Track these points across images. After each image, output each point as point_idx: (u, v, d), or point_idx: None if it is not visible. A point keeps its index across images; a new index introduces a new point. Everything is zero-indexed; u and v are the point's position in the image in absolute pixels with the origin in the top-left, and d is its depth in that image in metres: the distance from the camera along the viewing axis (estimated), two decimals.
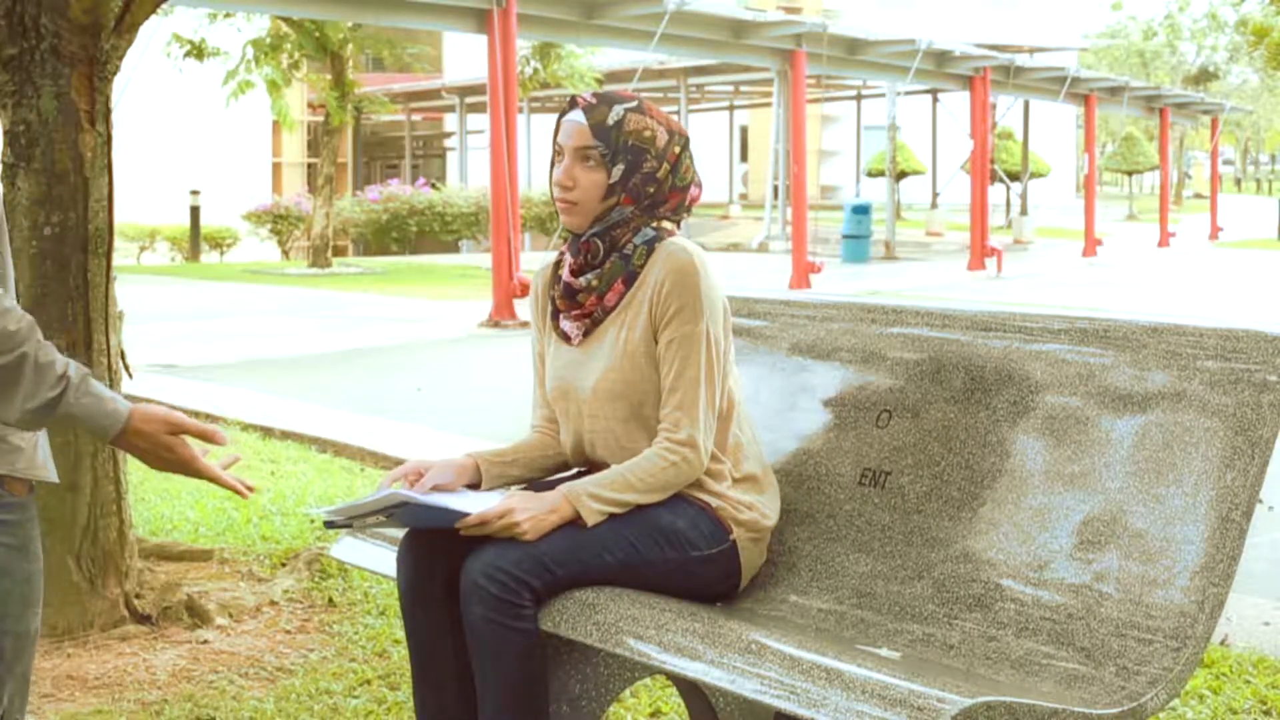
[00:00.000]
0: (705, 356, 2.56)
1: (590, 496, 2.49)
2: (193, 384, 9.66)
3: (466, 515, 2.41)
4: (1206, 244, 33.58)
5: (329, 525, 2.53)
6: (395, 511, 2.47)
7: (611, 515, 2.49)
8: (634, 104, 2.62)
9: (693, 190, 2.68)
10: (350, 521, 2.51)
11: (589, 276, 2.63)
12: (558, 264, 2.73)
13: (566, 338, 2.68)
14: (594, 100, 2.61)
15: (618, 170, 2.58)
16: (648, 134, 2.60)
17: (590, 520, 2.47)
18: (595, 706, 2.54)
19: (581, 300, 2.64)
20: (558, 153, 2.64)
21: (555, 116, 2.70)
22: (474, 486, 2.66)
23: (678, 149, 2.64)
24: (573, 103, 2.64)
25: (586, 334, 2.65)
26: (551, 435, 2.78)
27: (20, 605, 2.04)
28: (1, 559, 2.01)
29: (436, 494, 2.54)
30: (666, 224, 2.65)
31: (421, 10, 15.27)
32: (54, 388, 1.93)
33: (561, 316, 2.68)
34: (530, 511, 2.43)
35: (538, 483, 2.69)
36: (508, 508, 2.42)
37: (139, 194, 26.35)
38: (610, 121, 2.58)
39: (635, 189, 2.60)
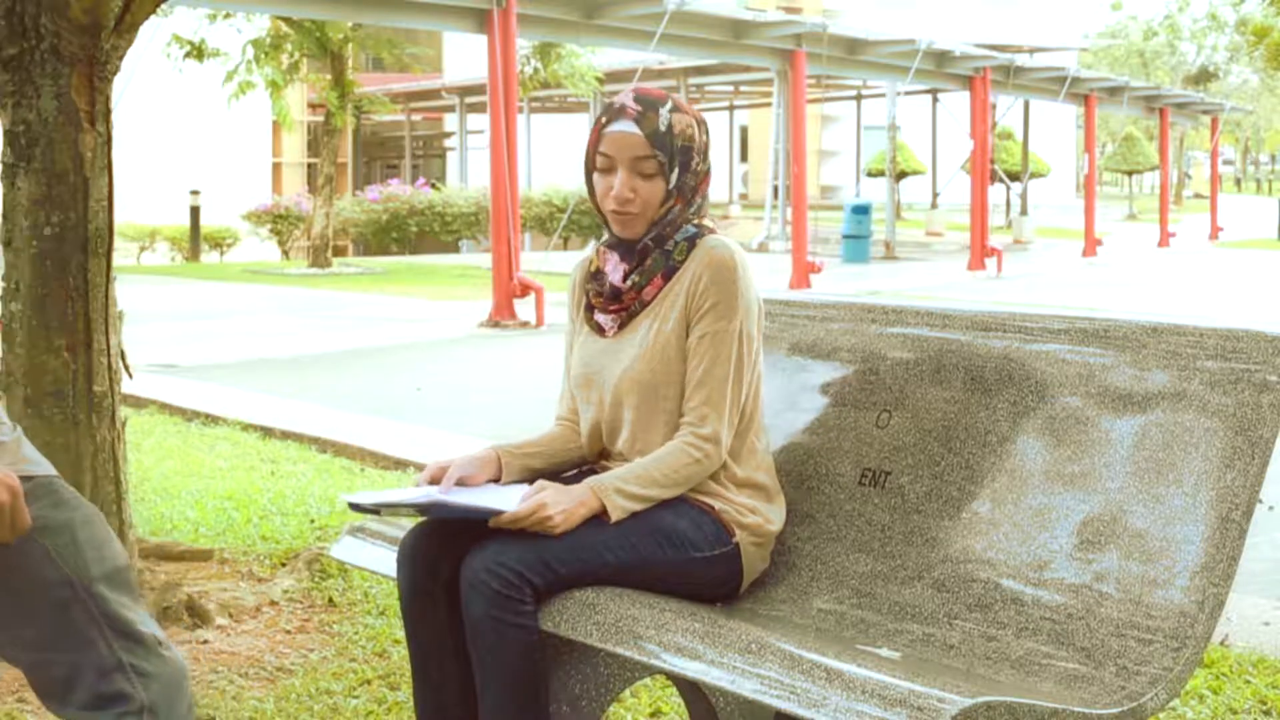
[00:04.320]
0: (736, 354, 2.57)
1: (617, 491, 2.49)
2: (193, 384, 9.66)
3: (498, 512, 2.42)
4: (1206, 244, 33.58)
5: (354, 507, 2.53)
6: (427, 508, 2.49)
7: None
8: (671, 103, 2.61)
9: (709, 173, 2.70)
10: (378, 509, 2.52)
11: (633, 276, 2.64)
12: (596, 261, 2.72)
13: (600, 329, 2.68)
14: (640, 107, 2.58)
15: (674, 175, 2.59)
16: (690, 132, 2.61)
17: (615, 515, 2.47)
18: (595, 706, 2.54)
19: (624, 298, 2.65)
20: (605, 166, 2.60)
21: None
22: (495, 479, 2.66)
23: (706, 137, 2.66)
24: (619, 111, 2.60)
25: (622, 326, 2.66)
26: (575, 429, 2.78)
27: (90, 550, 2.06)
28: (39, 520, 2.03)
29: (466, 493, 2.55)
30: (707, 221, 2.67)
31: (421, 10, 15.27)
32: None
33: (597, 310, 2.69)
34: (561, 505, 2.43)
35: (559, 476, 2.70)
36: (540, 502, 2.42)
37: (139, 194, 26.36)
38: (663, 128, 2.57)
39: (684, 187, 2.62)
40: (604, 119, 2.61)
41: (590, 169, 2.64)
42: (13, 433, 2.09)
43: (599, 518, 2.47)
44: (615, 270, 2.66)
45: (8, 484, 1.95)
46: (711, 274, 2.57)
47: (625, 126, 2.57)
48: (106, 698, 2.03)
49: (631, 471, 2.54)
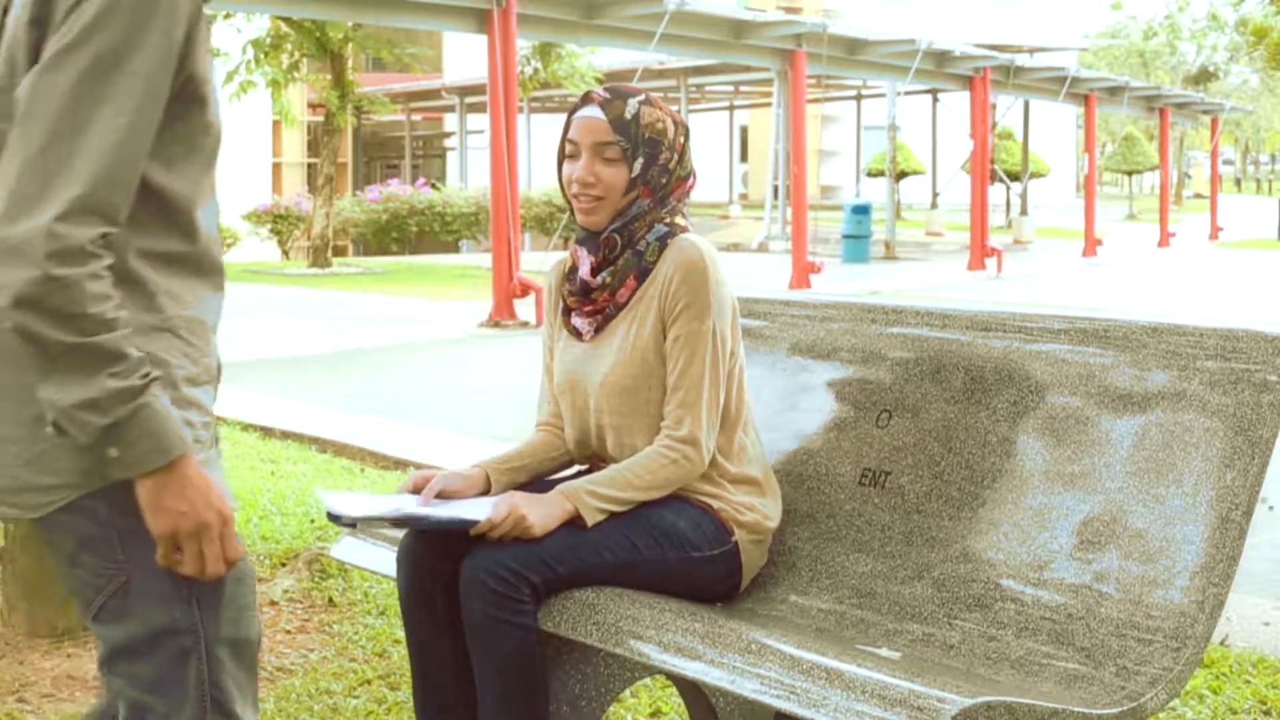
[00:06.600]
0: (710, 354, 2.57)
1: (589, 494, 2.49)
2: None
3: (473, 522, 2.41)
4: (1206, 244, 33.57)
5: (333, 519, 2.52)
6: (401, 521, 2.48)
7: (611, 514, 2.50)
8: (643, 97, 2.64)
9: (690, 180, 2.71)
10: (355, 522, 2.51)
11: (604, 274, 2.64)
12: (571, 261, 2.73)
13: (578, 333, 2.69)
14: (608, 95, 2.62)
15: (638, 164, 2.60)
16: (660, 126, 2.62)
17: (590, 519, 2.47)
18: (595, 706, 2.54)
19: (595, 297, 2.65)
20: (571, 152, 2.63)
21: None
22: (484, 494, 2.65)
23: (683, 139, 2.67)
24: (586, 99, 2.64)
25: (599, 330, 2.65)
26: (557, 433, 2.78)
27: (230, 609, 1.84)
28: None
29: (441, 506, 2.53)
30: (679, 220, 2.67)
31: (421, 10, 15.26)
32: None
33: (574, 313, 2.69)
34: (534, 509, 2.43)
35: (537, 483, 2.70)
36: (512, 505, 2.42)
37: None
38: (628, 115, 2.59)
39: (652, 181, 2.62)
40: (574, 108, 2.65)
41: (560, 158, 2.66)
42: (210, 448, 1.82)
43: (575, 522, 2.47)
44: (584, 263, 2.67)
45: (219, 509, 1.70)
46: (682, 275, 2.57)
47: (590, 112, 2.60)
48: None
49: (606, 475, 2.54)
